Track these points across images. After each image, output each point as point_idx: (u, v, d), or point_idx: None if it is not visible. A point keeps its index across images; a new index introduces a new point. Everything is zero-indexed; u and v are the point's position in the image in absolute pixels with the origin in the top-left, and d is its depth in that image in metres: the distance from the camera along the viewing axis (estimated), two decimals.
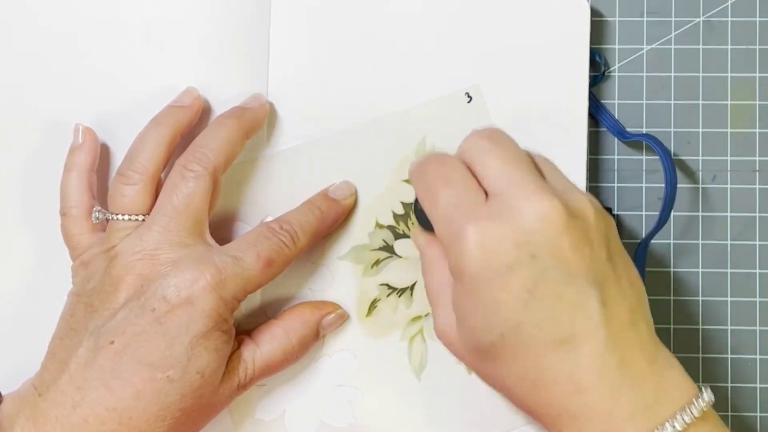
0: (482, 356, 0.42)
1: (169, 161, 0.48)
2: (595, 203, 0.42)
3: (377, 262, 0.52)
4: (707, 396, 0.40)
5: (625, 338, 0.40)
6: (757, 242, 0.54)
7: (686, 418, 0.39)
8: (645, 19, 0.54)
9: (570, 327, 0.39)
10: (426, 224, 0.45)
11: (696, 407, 0.40)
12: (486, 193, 0.42)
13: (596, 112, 0.54)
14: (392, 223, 0.52)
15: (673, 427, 0.39)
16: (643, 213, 0.54)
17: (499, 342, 0.40)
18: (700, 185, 0.54)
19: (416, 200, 0.45)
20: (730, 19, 0.54)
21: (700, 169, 0.54)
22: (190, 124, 0.50)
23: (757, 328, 0.54)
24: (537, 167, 0.43)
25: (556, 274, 0.40)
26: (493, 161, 0.42)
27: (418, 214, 0.46)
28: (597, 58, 0.54)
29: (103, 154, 0.51)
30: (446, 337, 0.45)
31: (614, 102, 0.54)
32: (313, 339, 0.51)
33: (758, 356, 0.54)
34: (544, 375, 0.40)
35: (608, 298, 0.40)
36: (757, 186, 0.54)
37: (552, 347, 0.40)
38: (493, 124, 0.44)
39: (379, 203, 0.52)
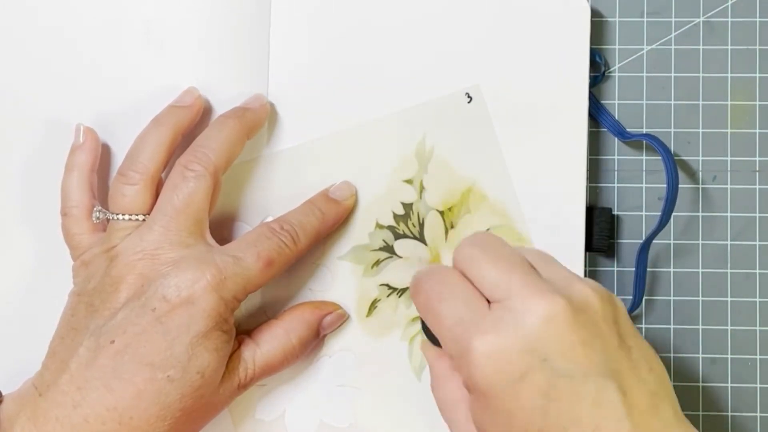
0: None
1: (169, 161, 0.48)
2: (599, 289, 0.41)
3: (377, 263, 0.52)
4: None
5: (649, 426, 0.39)
6: (757, 242, 0.54)
7: None
8: (645, 19, 0.54)
9: (593, 424, 0.38)
10: (434, 338, 0.44)
11: None
12: (488, 300, 0.41)
13: (596, 113, 0.54)
14: (392, 223, 0.52)
15: None
16: (643, 213, 0.54)
17: None
18: (700, 185, 0.54)
19: None
20: (730, 19, 0.54)
21: (700, 169, 0.54)
22: (191, 124, 0.50)
23: (757, 328, 0.54)
24: (531, 265, 0.42)
25: (569, 374, 0.39)
26: (488, 269, 0.41)
27: (425, 329, 0.45)
28: (597, 59, 0.54)
29: (104, 154, 0.51)
30: None
31: (614, 102, 0.54)
32: (314, 339, 0.51)
33: (758, 356, 0.54)
34: None
35: (627, 387, 0.39)
36: (757, 186, 0.54)
37: None
38: (481, 231, 0.44)
39: (379, 203, 0.52)
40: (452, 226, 0.52)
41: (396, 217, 0.52)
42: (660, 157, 0.52)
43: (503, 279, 0.41)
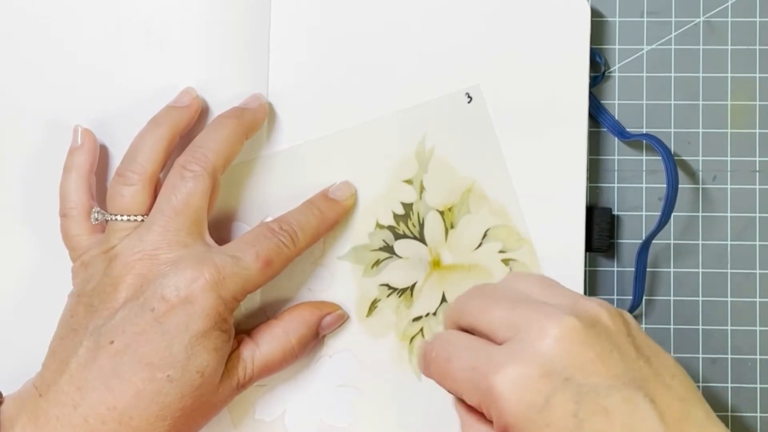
0: None
1: (167, 161, 0.49)
2: (606, 305, 0.41)
3: (377, 263, 0.52)
4: None
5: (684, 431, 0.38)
6: (757, 242, 0.54)
7: None
8: (645, 19, 0.54)
9: None
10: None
11: None
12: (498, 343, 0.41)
13: (596, 113, 0.54)
14: (392, 223, 0.52)
15: None
16: (643, 213, 0.54)
17: None
18: (700, 185, 0.54)
19: None
20: (730, 19, 0.54)
21: (700, 169, 0.54)
22: (189, 124, 0.50)
23: (757, 328, 0.54)
24: (533, 295, 0.42)
25: (594, 389, 0.38)
26: (494, 312, 0.41)
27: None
28: (597, 58, 0.54)
29: (103, 154, 0.51)
30: None
31: (614, 102, 0.54)
32: (313, 339, 0.51)
33: (758, 356, 0.54)
34: None
35: (654, 394, 0.38)
36: (757, 186, 0.54)
37: None
38: (472, 286, 0.44)
39: (379, 203, 0.52)
40: (452, 226, 0.52)
41: (396, 217, 0.52)
42: (660, 157, 0.52)
43: (509, 315, 0.40)
